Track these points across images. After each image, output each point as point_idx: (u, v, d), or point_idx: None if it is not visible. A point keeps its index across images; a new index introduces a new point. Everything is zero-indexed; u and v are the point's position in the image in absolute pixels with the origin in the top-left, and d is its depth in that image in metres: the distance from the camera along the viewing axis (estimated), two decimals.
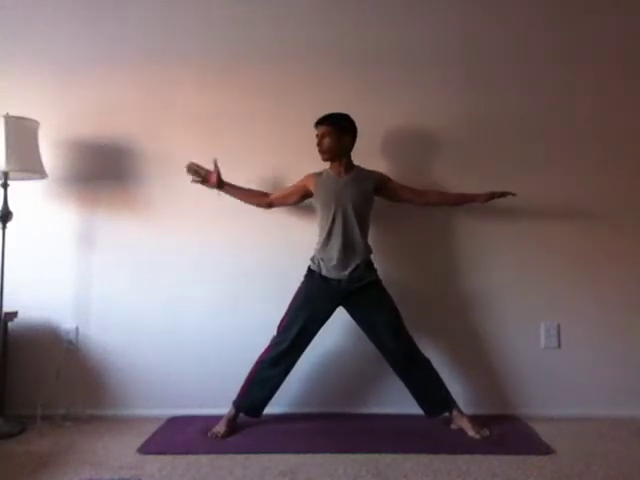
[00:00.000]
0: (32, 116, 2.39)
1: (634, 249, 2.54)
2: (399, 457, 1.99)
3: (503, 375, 2.53)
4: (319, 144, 2.32)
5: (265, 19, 2.61)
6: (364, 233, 2.30)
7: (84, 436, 2.24)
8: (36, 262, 2.55)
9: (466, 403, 2.37)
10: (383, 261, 2.43)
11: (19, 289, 2.45)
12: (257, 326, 2.41)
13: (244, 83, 2.59)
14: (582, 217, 2.55)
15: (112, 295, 2.55)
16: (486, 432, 2.21)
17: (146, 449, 2.09)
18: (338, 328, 2.44)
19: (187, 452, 2.05)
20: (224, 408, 2.30)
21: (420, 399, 2.30)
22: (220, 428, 2.22)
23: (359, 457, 1.99)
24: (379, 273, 2.33)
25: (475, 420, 2.26)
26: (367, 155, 2.46)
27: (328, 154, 2.32)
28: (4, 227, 2.35)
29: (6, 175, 2.34)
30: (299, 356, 2.29)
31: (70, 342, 2.54)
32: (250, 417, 2.30)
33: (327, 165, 2.37)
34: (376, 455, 2.01)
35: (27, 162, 2.35)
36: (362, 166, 2.38)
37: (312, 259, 2.33)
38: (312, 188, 2.35)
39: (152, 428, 2.31)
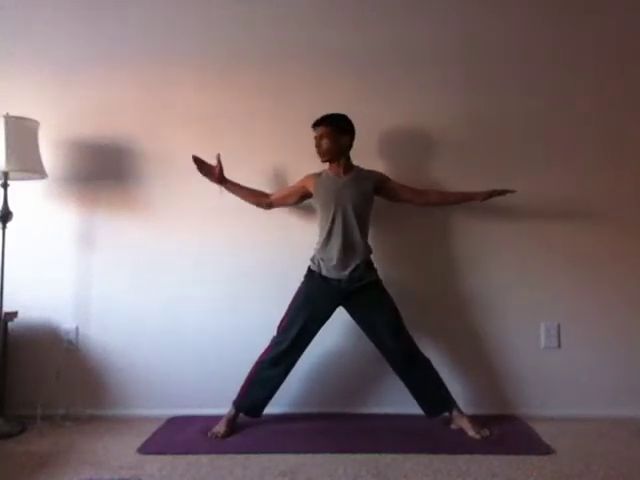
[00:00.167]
0: (32, 116, 2.39)
1: (635, 248, 2.54)
2: (399, 457, 1.99)
3: (503, 375, 2.53)
4: (318, 145, 2.32)
5: (265, 19, 2.61)
6: (364, 233, 2.30)
7: (84, 436, 2.24)
8: (36, 262, 2.55)
9: (466, 403, 2.37)
10: (383, 261, 2.43)
11: (19, 289, 2.45)
12: (257, 326, 2.41)
13: (244, 83, 2.59)
14: (582, 217, 2.55)
15: (112, 295, 2.55)
16: (486, 432, 2.21)
17: (146, 449, 2.09)
18: (338, 328, 2.44)
19: (187, 452, 2.05)
20: (224, 408, 2.30)
21: (420, 399, 2.30)
22: (220, 428, 2.22)
23: (359, 457, 1.99)
24: (379, 273, 2.33)
25: (475, 420, 2.26)
26: (367, 155, 2.46)
27: (327, 155, 2.32)
28: (4, 227, 2.35)
29: (6, 175, 2.34)
30: (299, 356, 2.29)
31: (70, 342, 2.54)
32: (250, 417, 2.30)
33: (326, 166, 2.37)
34: (376, 455, 2.01)
35: (27, 162, 2.35)
36: (362, 166, 2.38)
37: (312, 259, 2.33)
38: (311, 189, 2.35)
39: (152, 428, 2.31)
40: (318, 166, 2.38)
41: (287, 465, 1.93)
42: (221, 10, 2.62)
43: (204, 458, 2.00)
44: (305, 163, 2.41)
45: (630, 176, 2.56)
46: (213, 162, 2.38)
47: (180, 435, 2.23)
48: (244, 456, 2.01)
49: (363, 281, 2.26)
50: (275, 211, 2.48)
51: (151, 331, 2.54)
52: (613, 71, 2.58)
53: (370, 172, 2.37)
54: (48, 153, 2.51)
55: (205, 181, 2.40)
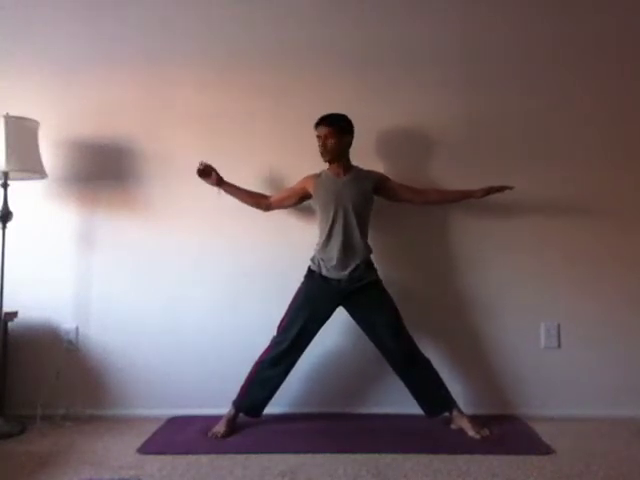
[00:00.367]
0: (32, 116, 2.39)
1: (635, 248, 2.54)
2: (399, 457, 1.99)
3: (503, 375, 2.53)
4: (323, 145, 2.30)
5: (265, 19, 2.61)
6: (364, 233, 2.30)
7: (84, 436, 2.24)
8: (36, 262, 2.55)
9: (466, 403, 2.37)
10: (383, 261, 2.43)
11: (19, 289, 2.45)
12: (257, 326, 2.41)
13: (244, 83, 2.59)
14: (582, 216, 2.55)
15: (112, 295, 2.55)
16: (486, 432, 2.21)
17: (146, 449, 2.09)
18: (338, 328, 2.44)
19: (187, 452, 2.05)
20: (224, 408, 2.30)
21: (420, 399, 2.30)
22: (220, 428, 2.22)
23: (359, 457, 1.99)
24: (379, 273, 2.33)
25: (475, 420, 2.26)
26: (367, 155, 2.46)
27: (331, 155, 2.31)
28: (4, 227, 2.35)
29: (6, 175, 2.34)
30: (299, 356, 2.29)
31: (70, 342, 2.54)
32: (250, 417, 2.30)
33: (325, 166, 2.37)
34: (376, 455, 2.01)
35: (27, 162, 2.35)
36: (362, 166, 2.38)
37: (312, 259, 2.33)
38: (311, 190, 2.35)
39: (152, 428, 2.31)
40: (318, 166, 2.38)
41: (287, 465, 1.93)
42: (221, 10, 2.62)
43: (204, 458, 2.00)
44: (305, 163, 2.41)
45: (630, 175, 2.56)
46: (214, 163, 2.38)
47: (180, 435, 2.23)
48: (244, 456, 2.01)
49: (363, 281, 2.26)
50: (275, 211, 2.48)
51: (151, 331, 2.54)
52: (613, 71, 2.58)
53: (370, 172, 2.37)
54: (48, 153, 2.51)
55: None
